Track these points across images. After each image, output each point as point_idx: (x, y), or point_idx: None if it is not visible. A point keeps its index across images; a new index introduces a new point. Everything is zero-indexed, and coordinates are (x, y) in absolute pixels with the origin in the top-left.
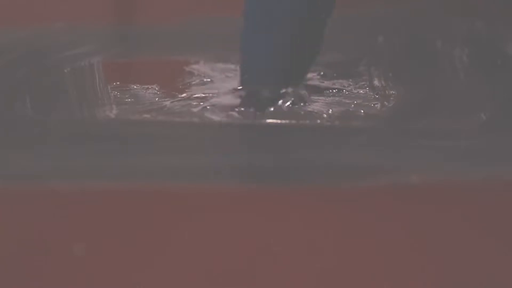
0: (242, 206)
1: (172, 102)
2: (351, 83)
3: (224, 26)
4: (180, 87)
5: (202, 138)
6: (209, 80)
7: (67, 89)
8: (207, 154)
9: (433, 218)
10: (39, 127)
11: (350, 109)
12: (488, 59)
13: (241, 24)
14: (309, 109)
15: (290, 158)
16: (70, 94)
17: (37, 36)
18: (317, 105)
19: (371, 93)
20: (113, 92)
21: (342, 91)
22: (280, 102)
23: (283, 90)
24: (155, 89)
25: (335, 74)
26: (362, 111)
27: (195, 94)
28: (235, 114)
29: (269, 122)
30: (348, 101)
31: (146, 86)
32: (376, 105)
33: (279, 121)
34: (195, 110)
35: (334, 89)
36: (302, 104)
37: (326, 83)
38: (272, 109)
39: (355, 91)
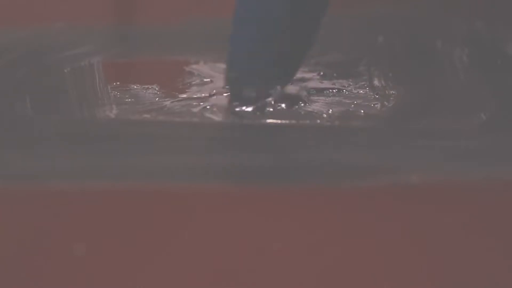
0: (242, 206)
1: (172, 102)
2: (351, 83)
3: (224, 26)
4: (180, 87)
5: (202, 138)
6: (209, 80)
7: (67, 89)
8: (207, 154)
9: (433, 218)
10: (39, 127)
11: (350, 109)
12: (488, 59)
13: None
14: (309, 109)
15: (290, 158)
16: (70, 94)
17: (37, 36)
18: (317, 105)
19: (371, 93)
20: (113, 92)
21: (342, 91)
22: (269, 100)
23: (271, 90)
24: (155, 89)
25: (335, 74)
26: (362, 111)
27: (195, 94)
28: (235, 113)
29: (269, 122)
30: (348, 101)
31: (146, 86)
32: (376, 105)
33: (279, 121)
34: (195, 110)
35: (334, 89)
36: (296, 104)
37: (326, 83)
38: (271, 109)
39: (355, 91)
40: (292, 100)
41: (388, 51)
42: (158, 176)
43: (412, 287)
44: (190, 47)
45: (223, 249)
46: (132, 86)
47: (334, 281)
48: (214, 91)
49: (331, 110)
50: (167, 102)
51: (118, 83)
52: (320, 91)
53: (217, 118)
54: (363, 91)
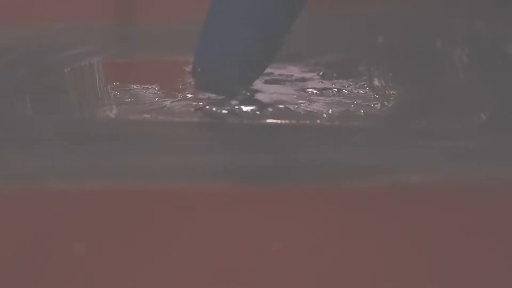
0: (242, 206)
1: (172, 102)
2: (351, 83)
3: None
4: (180, 87)
5: (202, 138)
6: None
7: (67, 89)
8: (207, 154)
9: (433, 218)
10: (39, 127)
11: (350, 109)
12: (488, 59)
13: None
14: (309, 109)
15: (290, 158)
16: (70, 94)
17: (37, 36)
18: (317, 105)
19: (371, 93)
20: (113, 92)
21: (342, 91)
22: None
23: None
24: (155, 89)
25: (335, 74)
26: (362, 111)
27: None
28: (235, 113)
29: (269, 122)
30: (348, 101)
31: (146, 86)
32: (376, 105)
33: (279, 121)
34: (195, 110)
35: (334, 89)
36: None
37: (326, 83)
38: (271, 109)
39: (355, 91)
40: (259, 103)
41: (388, 51)
42: (158, 176)
43: (412, 287)
44: (190, 47)
45: (223, 249)
46: (132, 86)
47: (334, 281)
48: None
49: (331, 110)
50: (167, 102)
51: (118, 83)
52: (320, 91)
53: (216, 118)
54: (363, 91)
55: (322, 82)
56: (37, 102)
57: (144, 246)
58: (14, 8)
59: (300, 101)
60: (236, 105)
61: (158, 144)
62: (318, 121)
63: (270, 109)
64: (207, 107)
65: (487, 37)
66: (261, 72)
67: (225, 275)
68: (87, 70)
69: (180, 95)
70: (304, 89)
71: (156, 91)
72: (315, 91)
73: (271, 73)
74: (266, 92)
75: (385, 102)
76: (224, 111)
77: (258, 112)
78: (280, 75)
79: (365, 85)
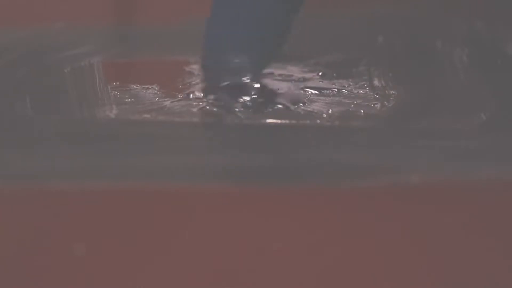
0: (242, 206)
1: (172, 102)
2: (351, 83)
3: None
4: (180, 87)
5: (202, 138)
6: None
7: (67, 89)
8: (207, 154)
9: (433, 218)
10: (39, 127)
11: (350, 109)
12: (488, 59)
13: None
14: (309, 109)
15: (290, 158)
16: (70, 94)
17: (37, 36)
18: (317, 105)
19: (371, 93)
20: (113, 92)
21: (342, 91)
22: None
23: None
24: (155, 89)
25: (335, 74)
26: (362, 111)
27: (195, 94)
28: (235, 112)
29: (269, 122)
30: (348, 101)
31: (146, 86)
32: (376, 105)
33: (279, 121)
34: (195, 110)
35: (334, 89)
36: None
37: (326, 83)
38: (271, 109)
39: (355, 91)
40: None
41: (388, 51)
42: (158, 176)
43: (412, 287)
44: (190, 47)
45: (223, 249)
46: (132, 86)
47: (334, 281)
48: None
49: (331, 110)
50: (167, 102)
51: (118, 83)
52: (320, 91)
53: (216, 118)
54: (363, 91)
55: (322, 82)
56: (37, 102)
57: (144, 246)
58: (14, 8)
59: (300, 101)
60: (238, 106)
61: (158, 144)
62: (318, 121)
63: (270, 109)
64: (207, 107)
65: (487, 37)
66: (270, 61)
67: (225, 275)
68: (87, 70)
69: (180, 95)
70: (304, 89)
71: (156, 91)
72: (315, 91)
73: (271, 73)
74: (266, 92)
75: (385, 102)
76: (224, 111)
77: (258, 112)
78: (280, 75)
79: (365, 85)
